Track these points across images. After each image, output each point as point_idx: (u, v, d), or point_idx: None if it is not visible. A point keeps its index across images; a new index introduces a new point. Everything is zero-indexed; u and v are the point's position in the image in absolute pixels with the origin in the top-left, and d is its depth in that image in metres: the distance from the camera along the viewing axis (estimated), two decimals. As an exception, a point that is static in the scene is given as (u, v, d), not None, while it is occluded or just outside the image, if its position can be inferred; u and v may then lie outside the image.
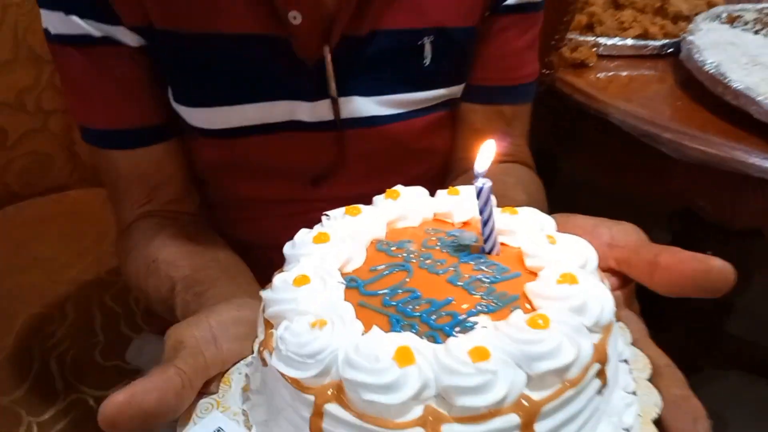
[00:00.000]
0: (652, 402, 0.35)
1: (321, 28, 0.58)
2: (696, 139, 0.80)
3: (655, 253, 0.40)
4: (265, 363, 0.33)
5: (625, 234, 0.43)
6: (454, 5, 0.62)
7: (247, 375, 0.38)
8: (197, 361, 0.37)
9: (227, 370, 0.38)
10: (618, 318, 0.36)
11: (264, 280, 0.39)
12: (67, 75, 0.62)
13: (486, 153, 0.37)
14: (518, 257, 0.37)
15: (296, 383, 0.30)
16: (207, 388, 0.38)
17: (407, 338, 0.30)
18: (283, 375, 0.31)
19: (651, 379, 0.37)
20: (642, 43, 1.00)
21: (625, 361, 0.37)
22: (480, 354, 0.28)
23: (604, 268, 0.41)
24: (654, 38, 1.00)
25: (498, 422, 0.28)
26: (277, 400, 0.33)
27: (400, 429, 0.28)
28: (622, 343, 0.38)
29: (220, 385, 0.38)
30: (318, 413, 0.30)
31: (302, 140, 0.64)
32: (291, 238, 0.40)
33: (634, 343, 0.38)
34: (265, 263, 0.46)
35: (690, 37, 0.93)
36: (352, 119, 0.64)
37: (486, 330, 0.30)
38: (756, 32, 0.98)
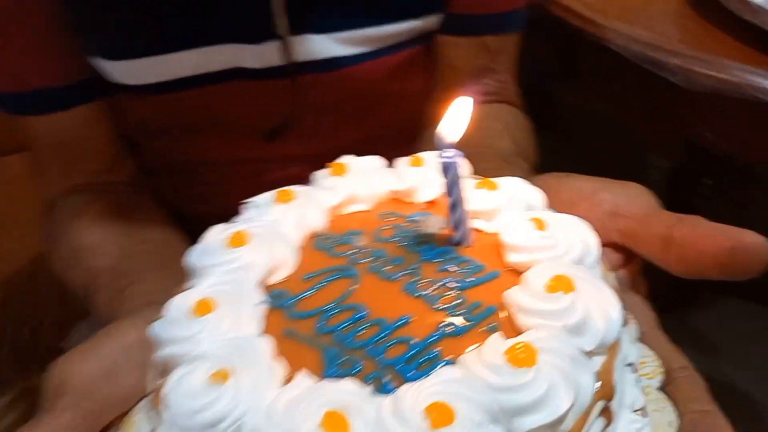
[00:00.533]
0: (666, 421, 0.28)
1: None
2: (708, 64, 0.70)
3: (668, 225, 0.33)
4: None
5: (632, 200, 0.35)
6: None
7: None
8: (84, 408, 0.29)
9: (130, 410, 0.30)
10: (622, 301, 0.28)
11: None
12: None
13: (456, 115, 0.28)
14: (496, 249, 0.29)
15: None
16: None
17: (342, 392, 0.22)
18: None
19: (663, 387, 0.30)
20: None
21: (631, 365, 0.29)
22: (440, 416, 0.20)
23: (606, 243, 0.33)
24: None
25: None
26: None
27: None
28: (627, 341, 0.30)
29: (122, 426, 0.30)
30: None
31: (249, 91, 0.55)
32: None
33: (641, 338, 0.31)
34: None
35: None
36: (307, 63, 0.54)
37: (449, 371, 0.22)
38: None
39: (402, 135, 0.60)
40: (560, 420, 0.21)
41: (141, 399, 0.31)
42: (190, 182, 0.62)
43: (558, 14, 0.84)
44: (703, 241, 0.31)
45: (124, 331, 0.33)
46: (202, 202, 0.62)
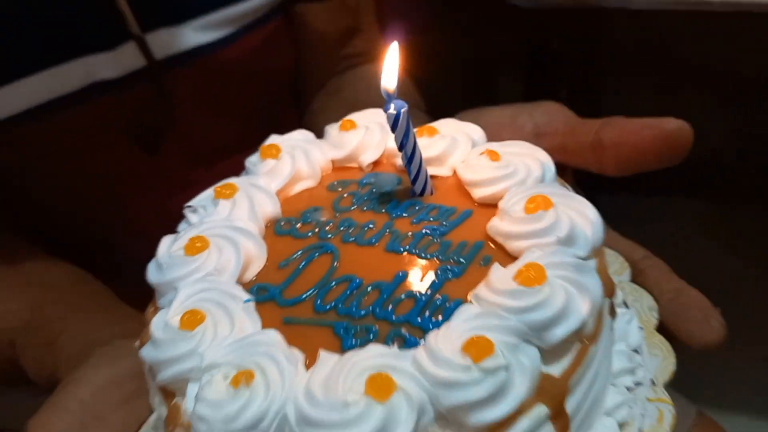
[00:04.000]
0: (646, 306, 0.32)
1: None
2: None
3: (594, 131, 0.36)
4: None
5: (551, 117, 0.38)
6: None
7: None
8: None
9: None
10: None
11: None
12: None
13: (391, 64, 0.28)
14: (460, 189, 0.30)
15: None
16: None
17: (373, 356, 0.22)
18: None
19: (633, 279, 0.33)
20: None
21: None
22: (479, 349, 0.21)
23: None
24: None
25: (523, 425, 0.22)
26: None
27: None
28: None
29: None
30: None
31: (113, 104, 0.51)
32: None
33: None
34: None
35: None
36: (167, 59, 0.52)
37: (468, 309, 0.23)
38: None
39: (281, 110, 0.60)
40: (584, 324, 0.23)
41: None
42: (78, 216, 0.57)
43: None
44: (633, 138, 0.35)
45: (88, 377, 0.31)
46: (90, 234, 0.58)
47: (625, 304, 0.31)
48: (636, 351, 0.29)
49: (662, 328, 0.32)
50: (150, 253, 0.29)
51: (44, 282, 0.49)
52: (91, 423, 0.29)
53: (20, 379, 0.45)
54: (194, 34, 0.52)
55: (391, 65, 0.28)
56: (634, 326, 0.30)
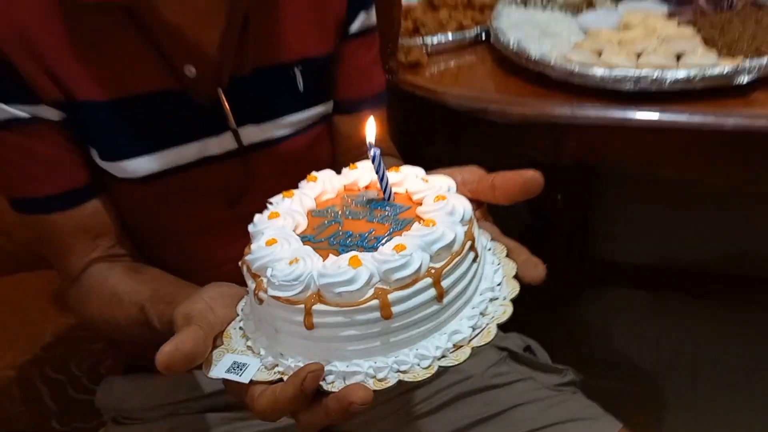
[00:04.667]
0: (511, 266, 0.58)
1: (212, 74, 0.77)
2: (515, 104, 1.07)
3: (491, 179, 0.63)
4: (261, 301, 0.51)
5: (471, 173, 0.66)
6: (312, 38, 0.83)
7: (240, 327, 0.56)
8: (207, 321, 0.55)
9: (224, 330, 0.56)
10: (481, 226, 0.58)
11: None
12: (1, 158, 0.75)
13: (371, 129, 0.58)
14: (408, 197, 0.58)
15: (289, 301, 0.49)
16: (213, 343, 0.56)
17: (353, 253, 0.50)
18: (279, 298, 0.50)
19: (507, 255, 0.60)
20: (460, 35, 1.26)
21: (490, 249, 0.59)
22: (400, 248, 0.49)
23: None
24: (469, 29, 1.27)
25: (420, 284, 0.49)
26: (276, 323, 0.51)
27: (363, 304, 0.48)
28: (485, 239, 0.60)
29: (223, 339, 0.55)
30: (308, 314, 0.49)
31: (215, 172, 0.82)
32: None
33: (493, 239, 0.61)
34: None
35: (494, 23, 1.21)
36: (252, 145, 0.83)
37: (400, 238, 0.51)
38: (543, 9, 1.28)
39: None
40: (451, 244, 0.51)
41: (229, 323, 0.57)
42: (173, 248, 0.86)
43: (407, 90, 1.19)
44: (511, 181, 0.62)
45: (208, 290, 0.59)
46: (182, 262, 0.86)
47: (499, 264, 0.58)
48: (498, 284, 0.56)
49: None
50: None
51: (161, 279, 0.77)
52: (212, 311, 0.55)
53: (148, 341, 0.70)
54: (270, 130, 0.83)
55: (371, 130, 0.58)
56: (499, 273, 0.56)
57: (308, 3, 0.83)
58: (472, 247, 0.53)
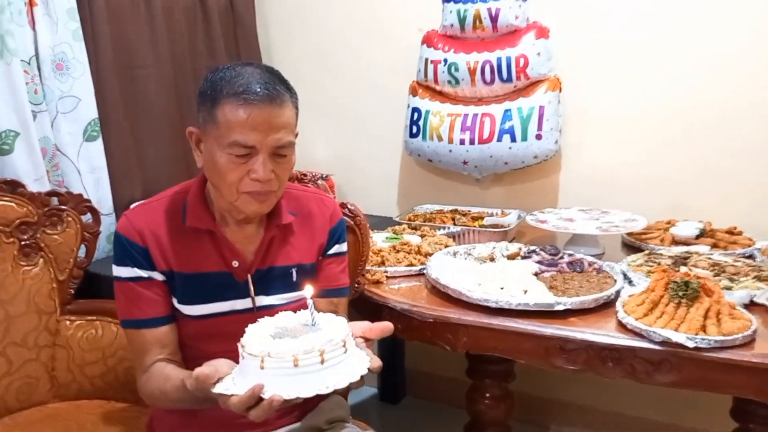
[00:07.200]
0: (367, 357, 1.20)
1: (247, 267, 1.48)
2: (432, 310, 1.74)
3: (366, 326, 1.28)
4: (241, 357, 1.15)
5: (362, 323, 1.31)
6: (304, 253, 1.54)
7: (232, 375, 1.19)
8: (215, 368, 1.18)
9: (224, 375, 1.19)
10: (362, 347, 1.22)
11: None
12: (124, 295, 1.44)
13: (308, 291, 1.24)
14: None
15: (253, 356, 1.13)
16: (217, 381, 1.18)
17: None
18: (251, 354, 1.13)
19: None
20: (410, 268, 1.97)
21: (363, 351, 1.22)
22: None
23: (357, 335, 1.27)
24: (415, 266, 1.99)
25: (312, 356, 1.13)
26: (244, 364, 1.14)
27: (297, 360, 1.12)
28: (364, 354, 1.23)
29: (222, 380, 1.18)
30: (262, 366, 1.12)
31: (237, 319, 1.45)
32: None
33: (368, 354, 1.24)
34: None
35: (429, 264, 1.92)
36: (261, 306, 1.50)
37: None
38: (465, 259, 2.00)
39: None
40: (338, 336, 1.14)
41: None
42: (201, 359, 1.50)
43: (371, 297, 1.84)
44: (376, 328, 1.27)
45: (222, 360, 1.22)
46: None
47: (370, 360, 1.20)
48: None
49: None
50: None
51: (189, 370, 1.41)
52: (225, 366, 1.18)
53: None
54: (272, 300, 1.48)
55: (308, 291, 1.25)
56: (365, 361, 1.19)
57: (306, 235, 1.56)
58: (344, 345, 1.17)
